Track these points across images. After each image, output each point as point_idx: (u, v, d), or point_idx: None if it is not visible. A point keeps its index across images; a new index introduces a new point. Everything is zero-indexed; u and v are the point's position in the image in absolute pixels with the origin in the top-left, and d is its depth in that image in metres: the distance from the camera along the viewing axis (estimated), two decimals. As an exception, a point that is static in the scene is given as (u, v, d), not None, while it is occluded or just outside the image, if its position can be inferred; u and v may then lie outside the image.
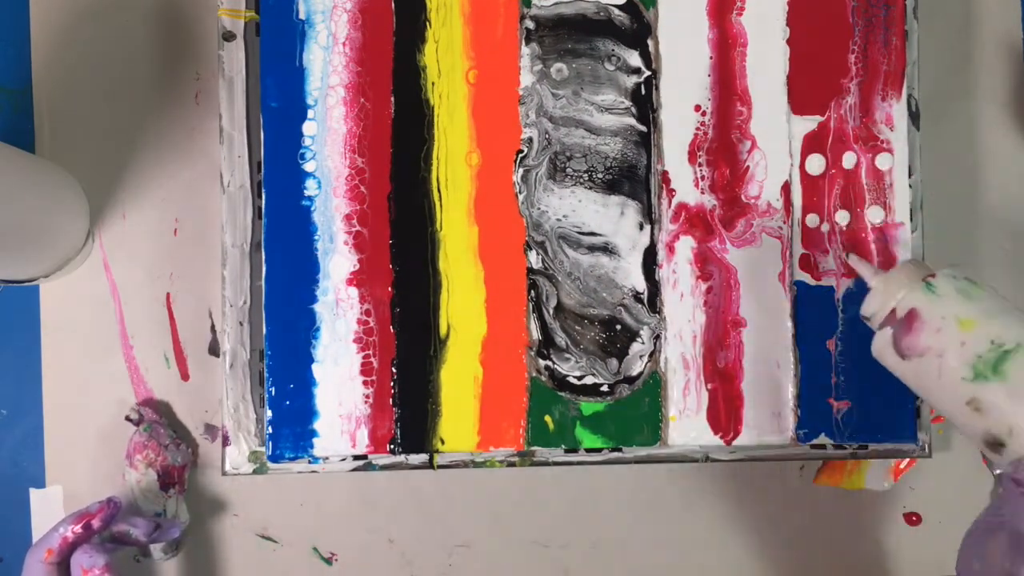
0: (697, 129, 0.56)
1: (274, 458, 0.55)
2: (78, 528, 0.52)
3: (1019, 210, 0.60)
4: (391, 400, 0.55)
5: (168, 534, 0.55)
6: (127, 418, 0.58)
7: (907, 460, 0.59)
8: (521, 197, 0.56)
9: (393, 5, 0.56)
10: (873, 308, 0.47)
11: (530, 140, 0.56)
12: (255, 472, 0.56)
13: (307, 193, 0.55)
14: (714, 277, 0.55)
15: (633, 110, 0.56)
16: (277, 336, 0.55)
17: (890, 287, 0.47)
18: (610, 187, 0.56)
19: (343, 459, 0.56)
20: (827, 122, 0.56)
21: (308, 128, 0.55)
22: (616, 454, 0.56)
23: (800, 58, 0.56)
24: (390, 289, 0.55)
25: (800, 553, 0.59)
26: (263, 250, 0.55)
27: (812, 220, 0.56)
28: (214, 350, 0.59)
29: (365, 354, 0.55)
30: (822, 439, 0.55)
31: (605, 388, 0.55)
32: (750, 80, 0.56)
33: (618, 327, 0.55)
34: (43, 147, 0.60)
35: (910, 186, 0.56)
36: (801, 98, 0.56)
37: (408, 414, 0.55)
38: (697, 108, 0.56)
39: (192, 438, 0.59)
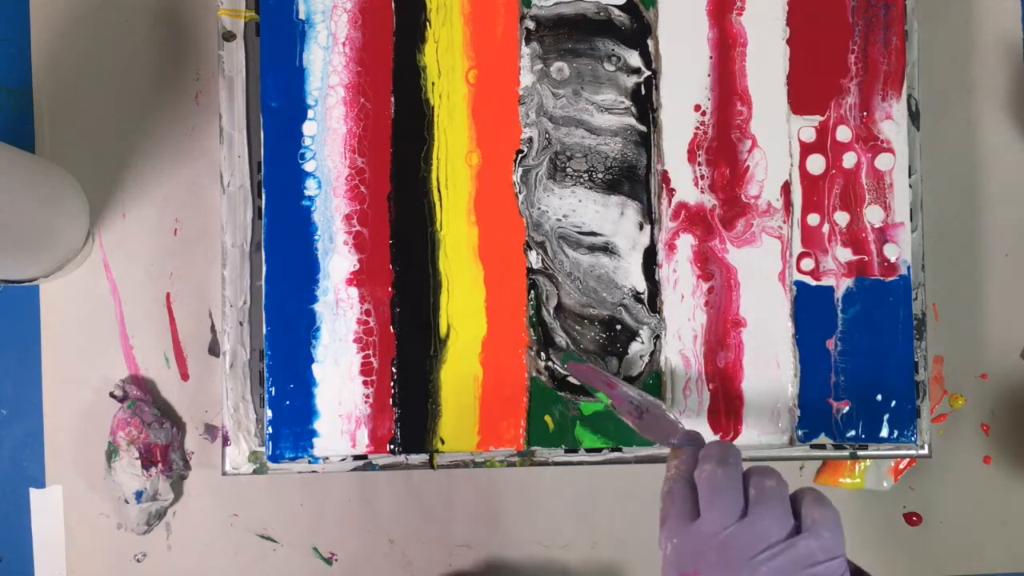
0: (697, 129, 0.56)
1: (274, 458, 0.55)
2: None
3: (1019, 210, 0.60)
4: (391, 400, 0.55)
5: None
6: (111, 394, 0.58)
7: (907, 460, 0.59)
8: (521, 197, 0.56)
9: (393, 5, 0.56)
10: None
11: (530, 140, 0.56)
12: (255, 472, 0.56)
13: (307, 193, 0.55)
14: (715, 277, 0.55)
15: (633, 110, 0.56)
16: (277, 336, 0.55)
17: None
18: (610, 187, 0.56)
19: (343, 459, 0.56)
20: (827, 122, 0.56)
21: (308, 128, 0.55)
22: (616, 454, 0.56)
23: (800, 58, 0.56)
24: (390, 289, 0.55)
25: (800, 553, 0.59)
26: (263, 250, 0.55)
27: (812, 220, 0.56)
28: (214, 350, 0.59)
29: (365, 354, 0.55)
30: (822, 439, 0.55)
31: (605, 388, 0.55)
32: (750, 80, 0.56)
33: (618, 327, 0.55)
34: (43, 147, 0.60)
35: (910, 186, 0.56)
36: (801, 98, 0.56)
37: (408, 414, 0.55)
38: (697, 108, 0.56)
39: (183, 422, 0.59)
